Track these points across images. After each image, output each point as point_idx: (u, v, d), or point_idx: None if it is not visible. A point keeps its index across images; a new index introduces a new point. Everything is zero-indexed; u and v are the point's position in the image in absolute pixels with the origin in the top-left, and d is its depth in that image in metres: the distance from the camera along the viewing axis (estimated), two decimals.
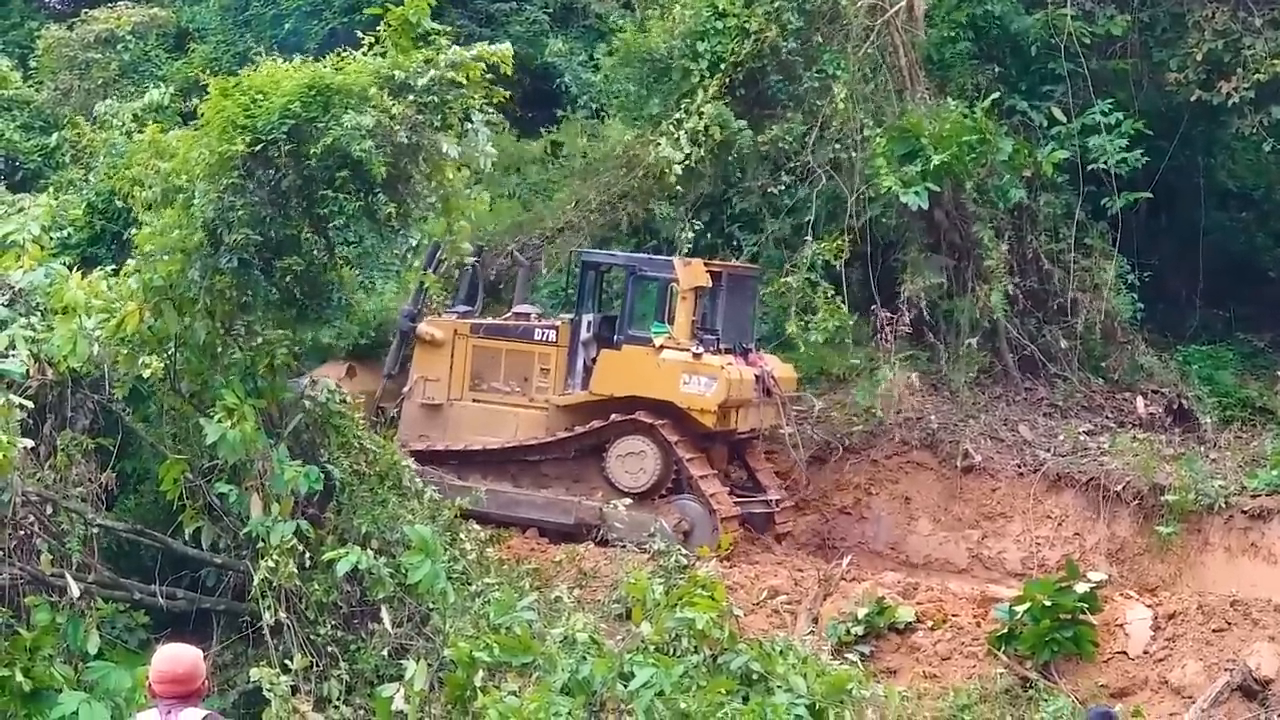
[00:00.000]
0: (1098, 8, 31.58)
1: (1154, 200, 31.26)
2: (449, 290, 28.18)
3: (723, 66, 29.35)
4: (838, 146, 29.19)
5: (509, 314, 27.94)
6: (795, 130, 29.58)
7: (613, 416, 26.00)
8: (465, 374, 27.31)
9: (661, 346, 25.78)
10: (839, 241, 28.65)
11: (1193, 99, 30.37)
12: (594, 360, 26.69)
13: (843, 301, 28.44)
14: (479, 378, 27.28)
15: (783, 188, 29.65)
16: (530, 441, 26.64)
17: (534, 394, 26.97)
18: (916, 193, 28.21)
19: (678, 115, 29.31)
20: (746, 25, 29.22)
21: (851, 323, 28.64)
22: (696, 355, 25.52)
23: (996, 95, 30.21)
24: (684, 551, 23.38)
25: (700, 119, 28.98)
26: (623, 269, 27.37)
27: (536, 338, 27.09)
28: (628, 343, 26.23)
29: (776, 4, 29.05)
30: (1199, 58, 30.09)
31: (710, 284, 26.20)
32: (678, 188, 29.29)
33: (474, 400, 27.22)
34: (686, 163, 28.91)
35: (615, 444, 26.10)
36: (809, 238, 28.87)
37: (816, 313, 28.21)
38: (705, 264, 26.58)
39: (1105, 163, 30.10)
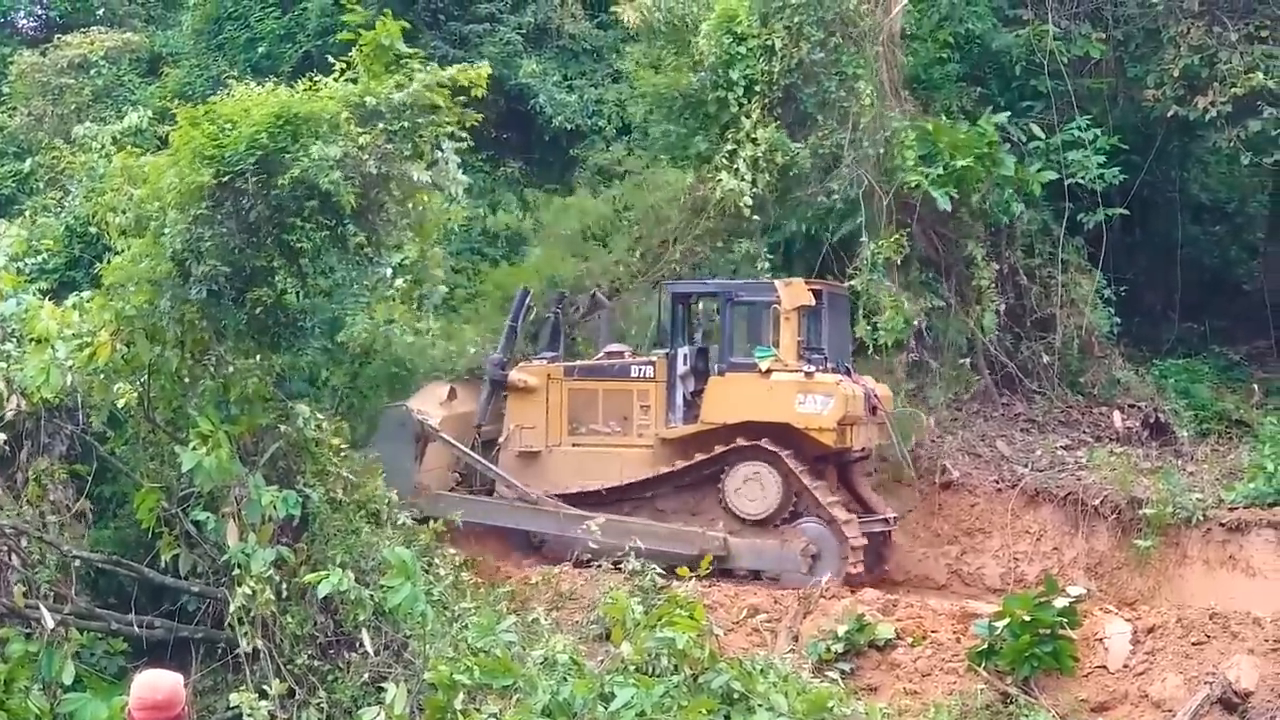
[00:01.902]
0: (1074, 25, 31.72)
1: (1129, 215, 31.36)
2: (527, 338, 28.23)
3: (758, 89, 29.22)
4: (867, 144, 29.01)
5: (600, 354, 27.66)
6: (834, 137, 29.31)
7: (737, 441, 25.59)
8: (562, 418, 26.98)
9: (769, 370, 25.52)
10: (898, 237, 28.52)
11: (1169, 114, 30.47)
12: (693, 393, 26.53)
13: (909, 300, 28.38)
14: (577, 421, 26.96)
15: (833, 196, 29.26)
16: (640, 478, 26.29)
17: (636, 432, 26.67)
18: (946, 193, 28.35)
19: (729, 148, 29.08)
20: (769, 44, 29.10)
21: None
22: (809, 375, 25.30)
23: (991, 111, 30.35)
24: (659, 572, 23.25)
25: (756, 146, 28.81)
26: (717, 296, 27.05)
27: (634, 375, 26.75)
28: (730, 370, 25.99)
29: (797, 19, 28.97)
30: (1175, 73, 30.18)
31: (813, 303, 25.92)
32: (755, 217, 28.86)
33: (574, 445, 26.92)
34: (755, 190, 28.72)
35: (732, 472, 25.71)
36: (864, 239, 28.69)
37: (882, 314, 28.01)
38: (806, 283, 26.32)
39: (1084, 178, 30.21)
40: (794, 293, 25.74)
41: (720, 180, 28.69)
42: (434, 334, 28.61)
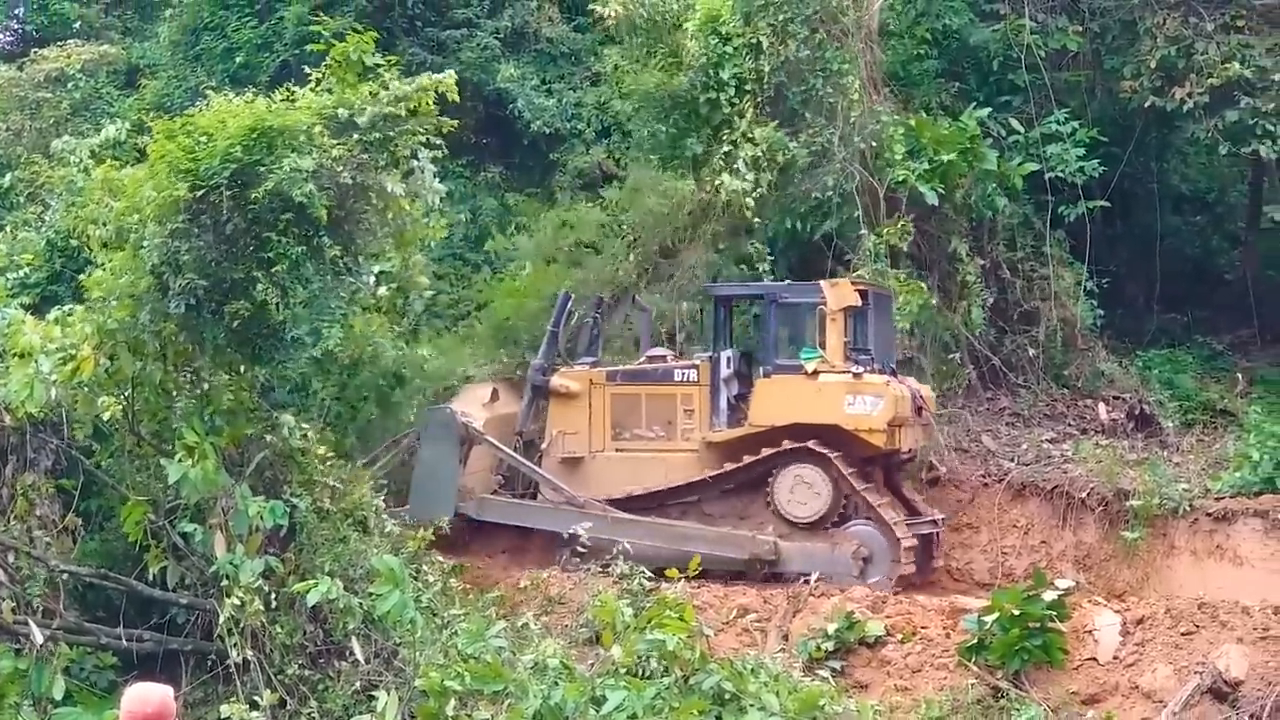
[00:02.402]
0: (1050, 19, 31.80)
1: (1110, 207, 31.42)
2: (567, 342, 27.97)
3: (748, 88, 29.19)
4: (857, 139, 28.99)
5: (642, 359, 27.48)
6: (823, 134, 29.28)
7: (785, 444, 25.36)
8: (605, 424, 26.79)
9: (815, 371, 25.37)
10: (904, 224, 28.50)
11: (1146, 105, 30.54)
12: (737, 397, 26.37)
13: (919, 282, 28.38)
14: (620, 426, 26.77)
15: (828, 192, 29.21)
16: (686, 482, 26.10)
17: (680, 436, 26.48)
18: (933, 188, 28.38)
19: (725, 149, 29.08)
20: (754, 42, 29.09)
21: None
22: (857, 375, 25.16)
23: (972, 106, 30.43)
24: (647, 574, 23.20)
25: (754, 145, 28.76)
26: (761, 298, 26.88)
27: (677, 379, 26.56)
28: (776, 372, 25.81)
29: (781, 16, 28.96)
30: (1152, 64, 30.25)
31: (860, 304, 25.72)
32: (756, 219, 28.94)
33: (617, 450, 26.73)
34: (758, 190, 28.69)
35: (780, 475, 25.50)
36: (863, 232, 28.64)
37: (895, 300, 27.94)
38: (852, 283, 26.17)
39: (1064, 171, 30.29)
40: (840, 293, 25.56)
41: (723, 182, 28.63)
42: (425, 350, 28.63)
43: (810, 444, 25.23)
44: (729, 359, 26.54)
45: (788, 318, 26.33)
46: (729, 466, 25.84)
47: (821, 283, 26.10)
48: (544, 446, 27.05)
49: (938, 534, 26.64)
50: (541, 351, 27.60)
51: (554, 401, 27.10)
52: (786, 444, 25.37)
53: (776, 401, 25.62)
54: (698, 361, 26.65)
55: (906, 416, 25.71)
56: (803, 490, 25.37)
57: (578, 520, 25.54)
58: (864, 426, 25.12)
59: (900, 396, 25.46)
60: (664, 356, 27.29)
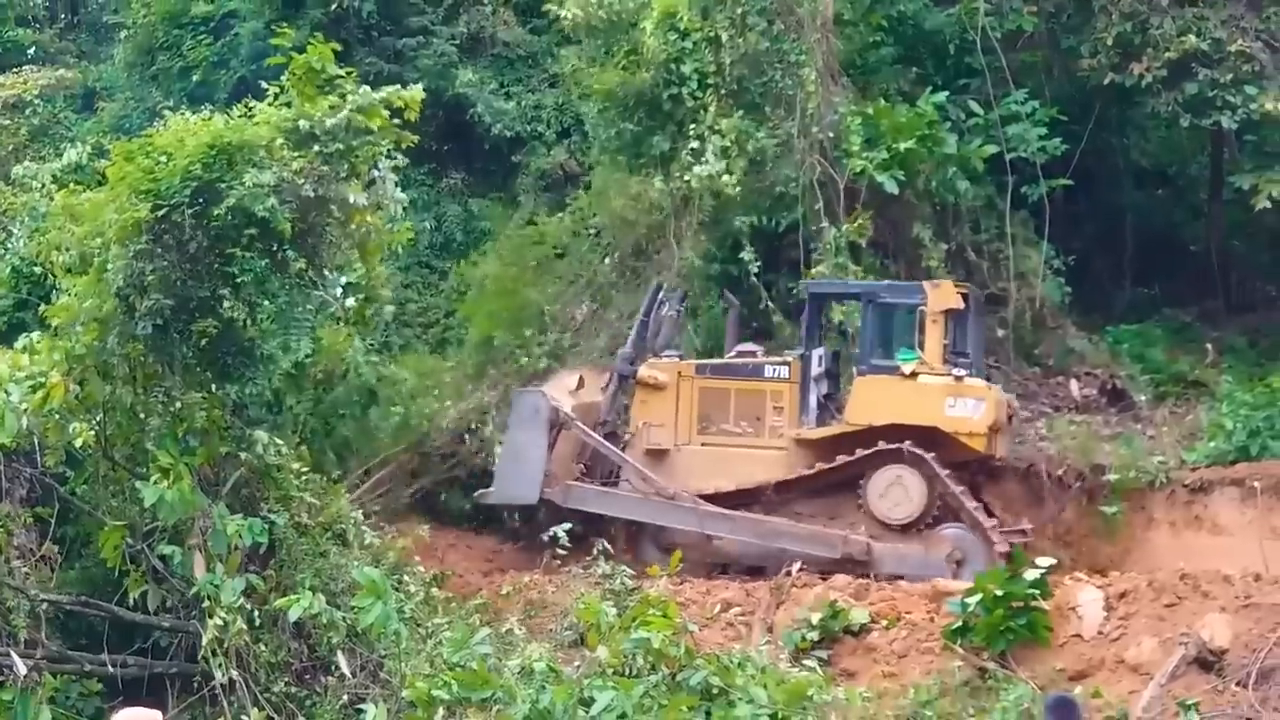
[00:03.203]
0: (1005, 0, 31.84)
1: (1073, 185, 31.47)
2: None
3: (710, 82, 29.13)
4: (816, 130, 28.99)
5: (732, 353, 27.27)
6: (783, 126, 29.27)
7: (879, 444, 25.29)
8: (692, 417, 26.68)
9: (913, 373, 25.28)
10: (862, 221, 28.48)
11: (1105, 82, 30.58)
12: (826, 396, 26.29)
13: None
14: (707, 420, 26.67)
15: (791, 184, 29.21)
16: (775, 479, 25.98)
17: (769, 433, 26.36)
18: (892, 177, 28.38)
19: (692, 145, 29.00)
20: (713, 36, 29.05)
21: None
22: (959, 378, 25.11)
23: (930, 91, 30.48)
24: (629, 573, 23.18)
25: (722, 136, 28.69)
26: (858, 297, 26.73)
27: (767, 375, 26.45)
28: (871, 372, 25.76)
29: (739, 9, 28.95)
30: (1109, 41, 30.25)
31: (961, 306, 25.69)
32: (735, 199, 28.71)
33: (703, 444, 26.63)
34: (732, 176, 28.49)
35: (874, 475, 25.41)
36: (825, 224, 28.61)
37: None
38: (954, 285, 26.08)
39: (1025, 151, 30.35)
40: (942, 295, 25.54)
41: (693, 174, 28.51)
42: (403, 370, 28.58)
43: (908, 445, 25.09)
44: (820, 357, 26.42)
45: (884, 318, 26.23)
46: (820, 465, 25.68)
47: (924, 284, 26.07)
48: (628, 437, 26.95)
49: (1026, 543, 25.97)
50: (629, 341, 27.55)
51: (640, 392, 26.99)
52: (881, 444, 25.20)
53: (874, 401, 25.51)
54: (789, 358, 26.50)
55: (1004, 422, 25.71)
56: (897, 491, 25.30)
57: (666, 511, 25.75)
58: (964, 430, 25.09)
59: (1000, 401, 25.43)
60: (754, 352, 27.09)
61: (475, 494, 27.45)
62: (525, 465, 25.98)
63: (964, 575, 24.43)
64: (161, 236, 19.33)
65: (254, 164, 19.11)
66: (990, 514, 26.06)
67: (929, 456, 25.07)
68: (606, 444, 26.72)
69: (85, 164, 28.52)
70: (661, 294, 27.64)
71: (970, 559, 24.81)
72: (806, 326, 26.75)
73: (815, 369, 26.32)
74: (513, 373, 29.39)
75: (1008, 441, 26.41)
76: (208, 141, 19.25)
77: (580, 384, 27.50)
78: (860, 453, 25.38)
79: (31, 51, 43.60)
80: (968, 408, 25.06)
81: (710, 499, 25.95)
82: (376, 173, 20.41)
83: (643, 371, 26.89)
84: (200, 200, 19.14)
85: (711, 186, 28.44)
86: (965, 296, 25.92)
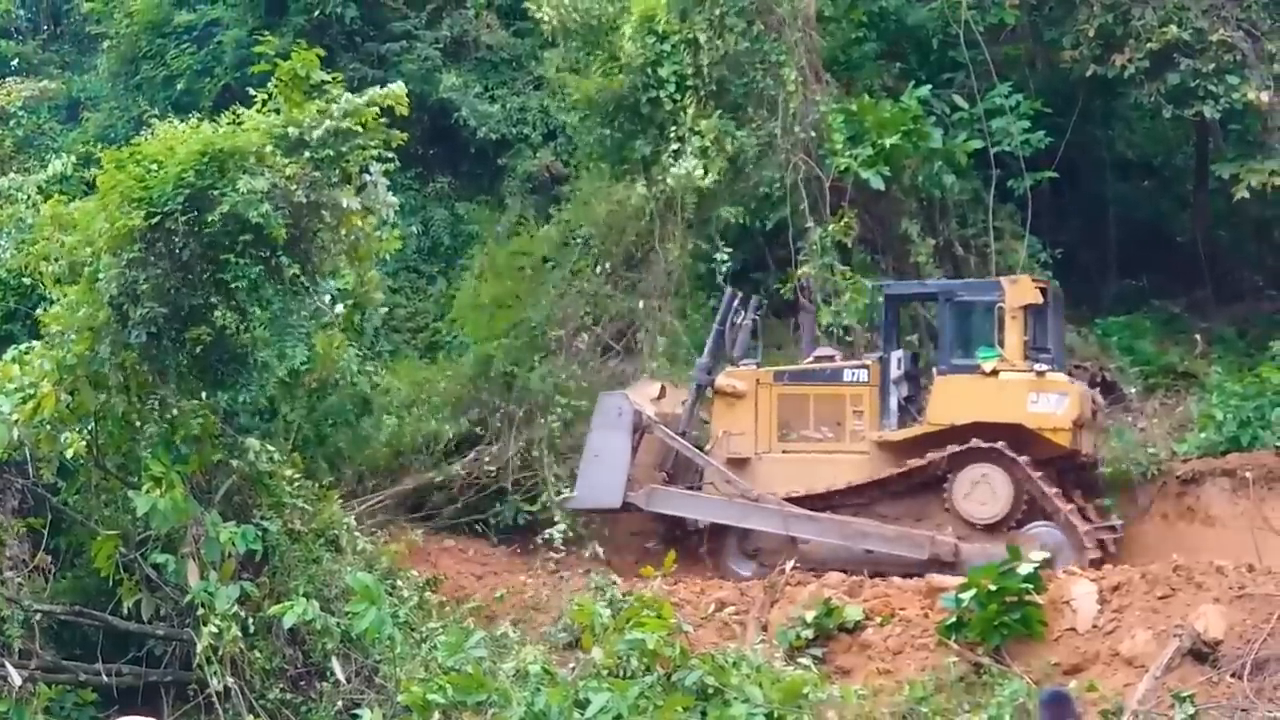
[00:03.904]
0: None
1: (1058, 177, 31.50)
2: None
3: (689, 85, 29.06)
4: (798, 130, 28.98)
5: (809, 359, 27.02)
6: (766, 126, 29.25)
7: (966, 443, 24.97)
8: (772, 424, 26.42)
9: (994, 370, 25.09)
10: (847, 220, 28.45)
11: (1088, 74, 30.59)
12: (906, 398, 26.10)
13: (863, 277, 28.23)
14: (787, 426, 26.42)
15: (775, 185, 29.19)
16: (860, 482, 25.74)
17: (849, 437, 26.12)
18: (877, 173, 28.34)
19: (674, 147, 28.93)
20: (691, 38, 29.00)
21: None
22: (1040, 374, 24.88)
23: (913, 86, 30.49)
24: (618, 579, 23.14)
25: (702, 137, 28.64)
26: (935, 297, 26.59)
27: (846, 379, 26.17)
28: (951, 372, 25.55)
29: (717, 10, 28.91)
30: (1091, 33, 30.25)
31: (1040, 301, 25.46)
32: (713, 193, 28.59)
33: (784, 451, 26.37)
34: (709, 176, 28.42)
35: (959, 475, 25.11)
36: (809, 225, 28.56)
37: (841, 296, 27.93)
38: (1032, 280, 25.85)
39: (1009, 145, 30.37)
40: (1020, 290, 25.33)
41: (670, 172, 28.43)
42: (396, 382, 28.55)
43: (998, 444, 24.81)
44: (899, 359, 26.22)
45: (962, 316, 26.01)
46: (903, 466, 25.48)
47: (1001, 279, 25.89)
48: (708, 446, 26.72)
49: (1118, 539, 25.70)
50: (707, 350, 27.22)
51: (719, 401, 26.77)
52: (972, 442, 24.95)
53: (955, 400, 25.27)
54: (868, 362, 26.30)
55: (1088, 417, 25.48)
56: (983, 490, 25.00)
57: (752, 514, 25.58)
58: (1048, 425, 24.84)
59: (1083, 395, 25.24)
60: (832, 356, 26.82)
61: (558, 498, 27.11)
62: (608, 468, 25.86)
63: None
64: (154, 244, 19.36)
65: (246, 170, 19.13)
66: (1080, 512, 25.62)
67: (1014, 454, 24.80)
68: (689, 446, 26.52)
69: (70, 175, 28.52)
70: (736, 302, 27.27)
71: (1060, 558, 24.23)
72: (884, 329, 26.58)
73: (895, 371, 26.08)
74: (505, 393, 29.25)
75: (1093, 437, 26.12)
76: (199, 149, 19.28)
77: (662, 393, 27.24)
78: (945, 451, 25.12)
79: (14, 63, 43.47)
80: (1051, 403, 24.81)
81: (793, 503, 25.74)
82: (368, 176, 20.43)
83: (720, 380, 26.67)
84: (193, 207, 19.15)
85: (689, 185, 28.38)
86: (1044, 291, 25.70)
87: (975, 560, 24.10)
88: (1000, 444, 24.84)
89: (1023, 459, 24.82)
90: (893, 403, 26.06)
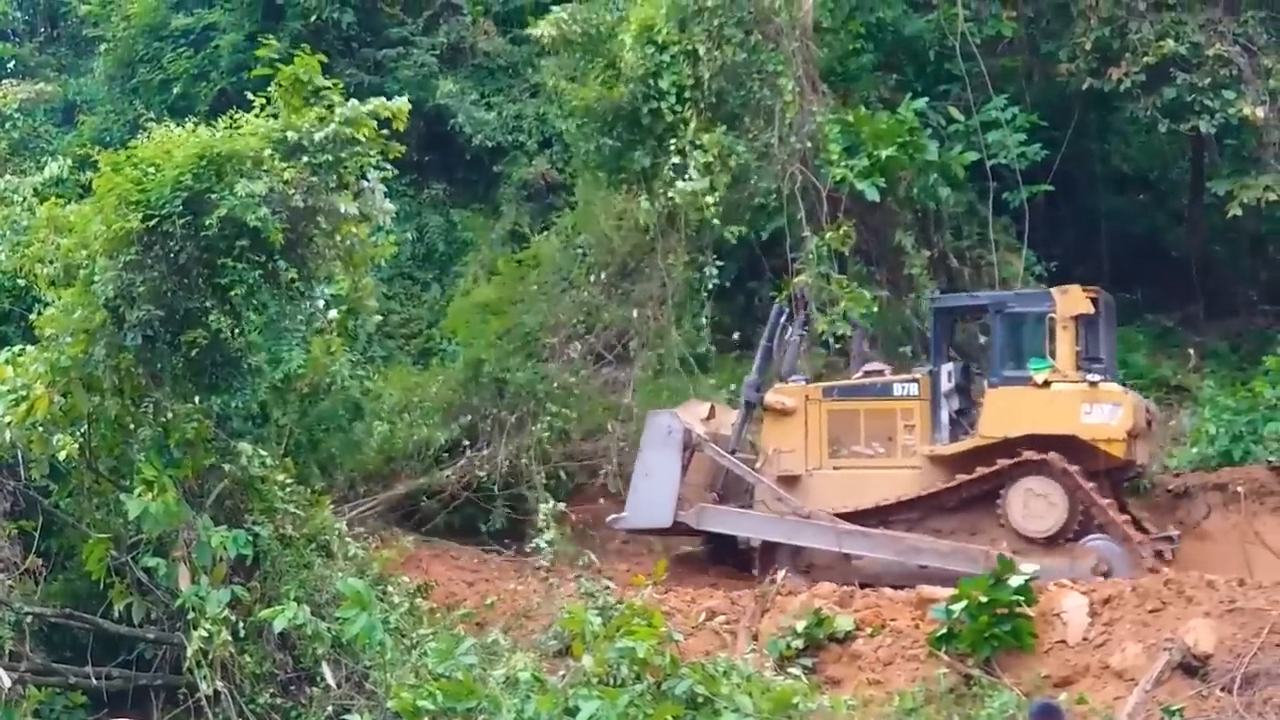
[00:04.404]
0: (984, 6, 31.96)
1: (1054, 190, 31.56)
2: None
3: (688, 95, 29.01)
4: (794, 140, 28.98)
5: (859, 373, 26.90)
6: (763, 137, 29.24)
7: (1019, 455, 24.71)
8: (822, 440, 26.21)
9: (1046, 382, 24.86)
10: (845, 229, 28.44)
11: (1084, 87, 30.68)
12: (958, 411, 25.87)
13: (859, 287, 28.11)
14: (837, 442, 26.21)
15: (771, 196, 29.21)
16: (913, 496, 25.52)
17: (901, 452, 25.92)
18: (873, 184, 28.34)
19: (674, 160, 28.81)
20: (690, 49, 28.96)
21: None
22: (1093, 384, 24.62)
23: (910, 97, 30.52)
24: (610, 586, 23.12)
25: (705, 152, 28.60)
26: (985, 309, 26.38)
27: (897, 393, 26.02)
28: (1003, 384, 25.30)
29: (716, 21, 28.90)
30: (1087, 46, 30.37)
31: (1092, 311, 25.24)
32: (716, 221, 28.30)
33: (834, 467, 26.14)
34: (715, 193, 28.29)
35: (1013, 488, 24.86)
36: (806, 234, 28.47)
37: (837, 304, 27.82)
38: (1083, 290, 25.61)
39: (1005, 157, 30.41)
40: (1071, 301, 25.11)
41: (677, 189, 28.38)
42: (388, 388, 28.53)
43: (1050, 456, 24.56)
44: (949, 373, 25.98)
45: (1013, 327, 25.78)
46: (956, 480, 25.26)
47: (1052, 290, 25.69)
48: (759, 464, 26.50)
49: (1173, 550, 25.39)
50: (755, 367, 27.13)
51: (768, 418, 26.57)
52: (1024, 455, 24.73)
53: (1008, 412, 25.04)
54: (918, 376, 26.17)
55: (1142, 428, 25.26)
56: (1038, 503, 24.71)
57: (804, 531, 25.38)
58: (1102, 436, 24.56)
59: (1138, 406, 25.02)
60: (881, 371, 26.72)
61: (608, 519, 27.11)
62: (658, 487, 25.74)
63: None
64: (151, 247, 19.37)
65: (244, 174, 19.15)
66: (1136, 523, 25.44)
67: (1068, 465, 24.57)
68: (740, 464, 26.33)
69: (66, 177, 28.50)
70: (783, 318, 27.20)
71: (1116, 570, 24.14)
72: (934, 342, 26.42)
73: (945, 384, 25.85)
74: (497, 398, 29.24)
75: (1148, 448, 26.02)
76: (197, 152, 19.29)
77: (711, 413, 27.07)
78: (998, 465, 24.91)
79: (11, 65, 43.48)
80: (1104, 413, 24.55)
81: (845, 519, 25.54)
82: (365, 183, 20.43)
83: (770, 397, 26.49)
84: (190, 210, 19.16)
85: (695, 203, 28.31)
86: (1095, 301, 25.48)
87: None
88: (1054, 456, 24.59)
89: (1077, 470, 24.57)
90: (944, 416, 25.81)
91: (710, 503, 26.64)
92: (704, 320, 29.32)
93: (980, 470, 25.03)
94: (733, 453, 26.65)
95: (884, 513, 25.62)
